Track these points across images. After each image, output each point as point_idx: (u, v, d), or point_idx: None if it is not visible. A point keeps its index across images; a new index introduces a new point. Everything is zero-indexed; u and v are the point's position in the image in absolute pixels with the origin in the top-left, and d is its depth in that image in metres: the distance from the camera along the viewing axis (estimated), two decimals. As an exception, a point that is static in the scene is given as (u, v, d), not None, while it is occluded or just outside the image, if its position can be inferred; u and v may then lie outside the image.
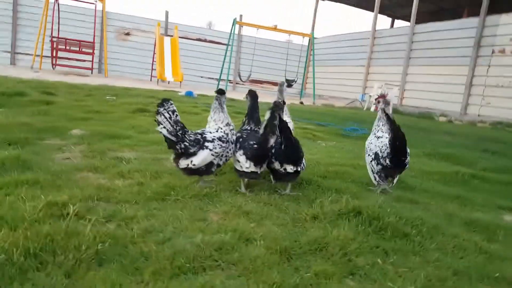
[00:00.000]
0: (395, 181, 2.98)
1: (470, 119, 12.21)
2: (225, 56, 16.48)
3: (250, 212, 2.13)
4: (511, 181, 3.60)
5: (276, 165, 2.55)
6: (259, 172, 2.51)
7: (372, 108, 13.41)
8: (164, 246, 1.62)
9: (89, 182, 2.39)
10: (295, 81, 17.48)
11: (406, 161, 2.76)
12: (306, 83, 20.24)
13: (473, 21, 12.87)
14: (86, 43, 15.19)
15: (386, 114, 2.91)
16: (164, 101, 2.35)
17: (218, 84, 16.98)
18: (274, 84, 20.36)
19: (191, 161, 2.42)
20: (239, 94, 14.95)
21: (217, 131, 2.57)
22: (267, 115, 2.45)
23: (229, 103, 8.89)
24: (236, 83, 19.52)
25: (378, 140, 2.99)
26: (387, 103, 3.22)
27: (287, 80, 17.56)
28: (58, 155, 3.00)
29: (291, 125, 3.32)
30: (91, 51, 15.26)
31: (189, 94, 10.00)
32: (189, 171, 2.47)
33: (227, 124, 2.62)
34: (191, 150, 2.42)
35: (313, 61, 17.58)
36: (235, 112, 6.92)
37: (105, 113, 5.22)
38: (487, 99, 12.13)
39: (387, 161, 2.74)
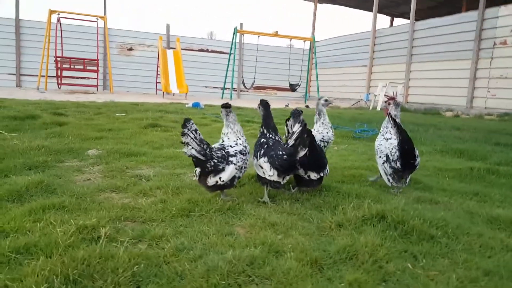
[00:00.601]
0: (407, 180, 3.03)
1: (477, 112, 12.16)
2: (228, 64, 16.62)
3: (275, 223, 2.16)
4: (527, 174, 3.60)
5: (301, 172, 2.66)
6: (282, 183, 2.55)
7: (379, 108, 13.40)
8: (197, 263, 1.65)
9: (113, 202, 2.43)
10: (299, 85, 17.57)
11: (416, 163, 2.87)
12: (310, 86, 20.29)
13: (472, 14, 12.88)
14: (90, 61, 15.39)
15: (393, 119, 2.99)
16: (186, 122, 2.35)
17: (223, 93, 17.12)
18: (278, 89, 20.47)
19: (220, 178, 2.44)
20: (244, 102, 15.06)
21: (236, 144, 2.61)
22: (297, 127, 2.45)
23: (236, 112, 8.94)
24: (241, 91, 19.63)
25: (388, 141, 3.07)
26: (397, 104, 3.28)
27: (290, 85, 17.67)
28: (78, 176, 3.05)
29: (321, 134, 3.37)
30: (95, 68, 15.48)
31: (196, 105, 10.08)
32: (216, 187, 2.49)
33: (243, 135, 2.68)
34: (220, 167, 2.45)
35: (315, 64, 17.66)
36: (243, 121, 6.97)
37: (118, 130, 5.28)
38: (492, 91, 12.09)
39: (398, 164, 2.85)
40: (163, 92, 14.84)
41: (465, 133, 6.55)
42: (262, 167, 2.53)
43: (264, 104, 2.88)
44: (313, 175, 2.64)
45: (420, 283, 1.59)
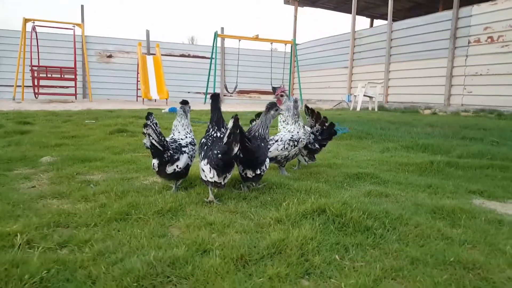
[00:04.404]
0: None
1: (454, 109, 12.32)
2: (209, 69, 16.56)
3: (213, 222, 2.10)
4: (483, 165, 3.62)
5: (240, 169, 2.72)
6: (223, 183, 2.51)
7: (358, 108, 13.48)
8: (114, 267, 1.58)
9: (50, 209, 2.34)
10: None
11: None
12: (293, 88, 20.33)
13: (447, 14, 13.10)
14: (68, 69, 15.19)
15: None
16: (148, 115, 2.56)
17: (206, 98, 17.05)
18: (261, 92, 20.48)
19: (177, 165, 2.68)
20: (227, 106, 15.00)
21: (186, 137, 2.91)
22: (230, 123, 2.44)
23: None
24: (224, 95, 19.58)
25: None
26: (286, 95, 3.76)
27: (273, 88, 17.67)
28: (24, 184, 2.94)
29: (291, 134, 3.33)
30: (73, 76, 15.26)
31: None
32: (174, 175, 2.72)
33: (191, 131, 3.00)
34: (176, 157, 2.70)
35: (297, 66, 17.73)
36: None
37: (82, 137, 5.18)
38: (468, 88, 12.28)
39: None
40: (143, 99, 14.71)
41: (437, 130, 6.59)
42: (204, 170, 2.49)
43: (212, 96, 2.85)
44: (249, 173, 2.65)
45: (343, 274, 1.55)
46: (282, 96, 3.62)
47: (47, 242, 1.83)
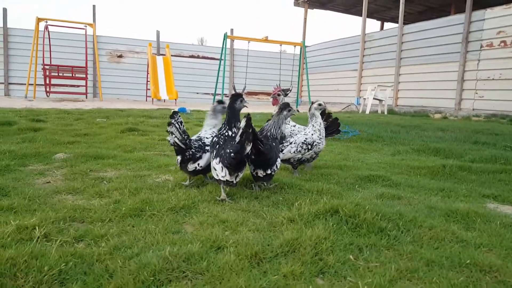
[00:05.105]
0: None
1: (465, 114, 12.21)
2: (218, 70, 16.60)
3: (226, 220, 2.11)
4: (496, 169, 3.58)
5: (251, 168, 2.73)
6: (234, 182, 2.52)
7: (367, 111, 13.42)
8: (131, 261, 1.60)
9: (65, 204, 2.37)
10: (290, 90, 17.53)
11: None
12: (302, 91, 20.32)
13: (459, 17, 13.00)
14: (79, 68, 15.35)
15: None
16: (174, 114, 2.71)
17: (214, 99, 17.10)
18: (269, 94, 20.46)
19: (198, 164, 2.79)
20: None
21: (211, 135, 2.93)
22: (243, 123, 2.45)
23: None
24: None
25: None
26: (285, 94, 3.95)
27: (282, 90, 17.68)
28: (39, 179, 2.99)
29: (305, 136, 3.33)
30: (84, 76, 15.42)
31: (182, 110, 10.05)
32: (196, 172, 2.82)
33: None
34: (197, 155, 2.79)
35: (306, 69, 17.71)
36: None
37: (94, 135, 5.24)
38: (480, 92, 12.16)
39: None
40: (153, 99, 14.81)
41: (448, 134, 6.55)
42: (215, 169, 2.50)
43: (231, 96, 2.86)
44: (260, 173, 2.67)
45: (358, 274, 1.55)
46: (279, 95, 3.67)
47: (63, 236, 1.86)
